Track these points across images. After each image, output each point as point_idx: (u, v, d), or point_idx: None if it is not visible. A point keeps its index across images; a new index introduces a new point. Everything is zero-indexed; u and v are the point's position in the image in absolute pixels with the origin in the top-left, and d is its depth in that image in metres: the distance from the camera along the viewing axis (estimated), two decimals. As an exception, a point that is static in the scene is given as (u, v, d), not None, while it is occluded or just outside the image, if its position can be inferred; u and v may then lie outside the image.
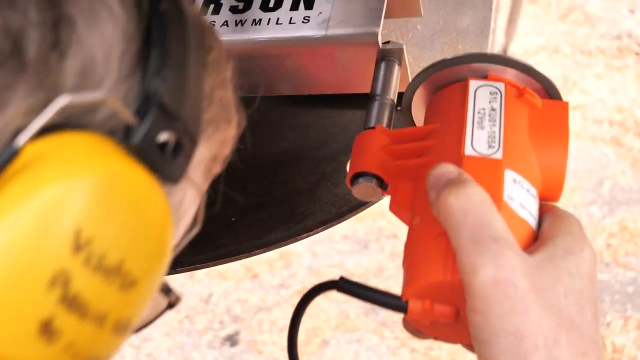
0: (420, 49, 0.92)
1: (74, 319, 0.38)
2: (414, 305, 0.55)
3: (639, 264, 2.25)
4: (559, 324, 0.51)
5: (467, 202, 0.52)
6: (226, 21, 0.82)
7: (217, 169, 0.49)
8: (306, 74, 0.83)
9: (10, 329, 0.37)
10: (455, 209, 0.52)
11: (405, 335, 2.17)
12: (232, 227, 0.84)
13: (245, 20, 0.82)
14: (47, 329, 0.37)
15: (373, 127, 0.66)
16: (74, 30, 0.37)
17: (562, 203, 0.66)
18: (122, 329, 0.42)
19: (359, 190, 0.63)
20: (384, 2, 0.78)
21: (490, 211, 0.52)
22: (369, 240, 2.38)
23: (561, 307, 0.51)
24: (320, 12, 0.79)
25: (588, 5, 3.22)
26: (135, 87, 0.40)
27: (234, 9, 0.82)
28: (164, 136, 0.39)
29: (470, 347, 0.60)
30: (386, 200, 0.65)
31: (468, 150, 0.56)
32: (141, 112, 0.39)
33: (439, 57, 0.72)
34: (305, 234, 0.80)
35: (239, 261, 2.22)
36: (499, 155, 0.56)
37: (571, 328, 0.52)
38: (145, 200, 0.41)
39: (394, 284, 2.20)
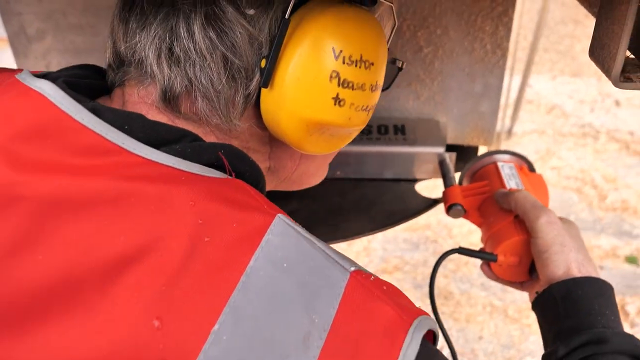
0: (457, 124, 1.01)
1: (348, 91, 0.46)
2: (500, 257, 0.68)
3: None
4: (576, 242, 0.63)
5: (526, 195, 0.69)
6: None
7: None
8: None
9: (321, 107, 0.46)
10: (522, 198, 0.68)
11: (437, 303, 2.26)
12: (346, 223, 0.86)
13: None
14: (337, 101, 0.46)
15: (451, 185, 0.83)
16: None
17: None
18: (375, 88, 0.49)
19: (453, 213, 0.76)
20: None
21: (533, 197, 0.68)
22: (419, 243, 2.49)
23: (572, 237, 0.64)
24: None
25: (564, 106, 3.44)
26: None
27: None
28: None
29: (518, 285, 0.71)
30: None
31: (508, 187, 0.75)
32: None
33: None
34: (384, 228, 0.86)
35: (344, 250, 2.32)
36: (520, 184, 0.77)
37: (581, 245, 0.64)
38: (364, 20, 0.47)
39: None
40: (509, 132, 3.09)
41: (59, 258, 0.35)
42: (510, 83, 2.84)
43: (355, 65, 0.46)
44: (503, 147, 2.92)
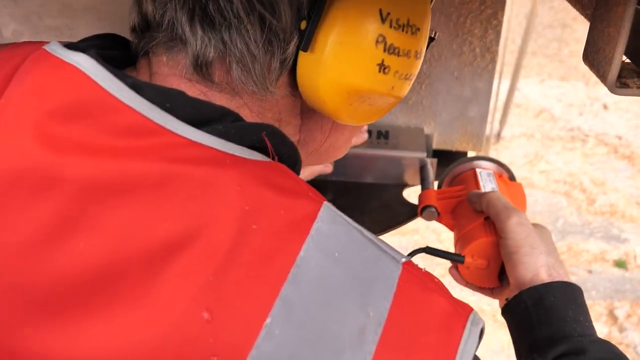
0: (445, 128, 1.00)
1: (394, 57, 0.44)
2: (467, 258, 0.67)
3: (579, 271, 2.39)
4: (547, 246, 0.62)
5: (498, 196, 0.68)
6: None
7: None
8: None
9: (365, 74, 0.44)
10: (495, 199, 0.67)
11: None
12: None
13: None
14: (382, 67, 0.44)
15: (428, 188, 0.85)
16: None
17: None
18: (419, 56, 0.47)
19: (426, 215, 0.76)
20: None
21: (506, 199, 0.68)
22: (408, 248, 2.45)
23: (543, 240, 0.62)
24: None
25: (553, 109, 3.46)
26: None
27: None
28: None
29: (488, 291, 0.70)
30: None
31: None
32: None
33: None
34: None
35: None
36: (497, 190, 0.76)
37: (552, 249, 0.62)
38: None
39: (422, 275, 2.48)
40: (498, 136, 3.10)
41: (102, 245, 0.33)
42: (499, 87, 2.86)
43: (402, 30, 0.43)
44: (492, 151, 2.93)
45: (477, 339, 0.37)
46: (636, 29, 0.40)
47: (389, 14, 0.42)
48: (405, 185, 0.94)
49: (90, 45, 0.44)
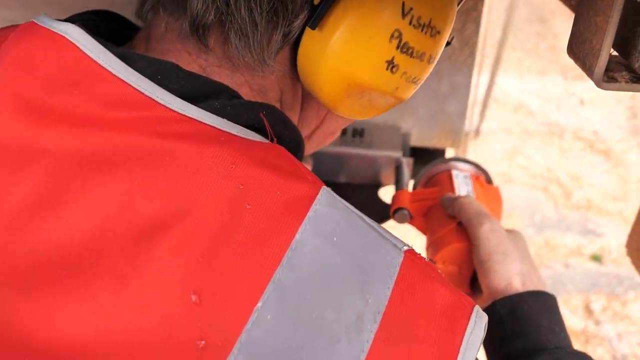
0: (423, 125, 0.96)
1: (405, 57, 0.41)
2: (438, 264, 0.65)
3: (556, 265, 2.40)
4: (521, 253, 0.61)
5: (471, 201, 0.66)
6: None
7: None
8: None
9: (371, 68, 0.41)
10: (467, 204, 0.65)
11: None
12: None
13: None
14: (390, 65, 0.41)
15: (401, 189, 0.82)
16: None
17: (510, 225, 0.77)
18: (432, 61, 0.45)
19: (398, 217, 0.74)
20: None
21: (479, 204, 0.66)
22: None
23: (516, 246, 0.61)
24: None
25: (530, 105, 3.44)
26: None
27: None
28: None
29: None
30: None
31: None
32: None
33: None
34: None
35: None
36: (472, 195, 0.74)
37: (526, 255, 0.61)
38: None
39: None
40: (477, 131, 3.08)
41: (86, 221, 0.32)
42: (478, 81, 2.85)
43: (422, 30, 0.41)
44: (470, 147, 2.91)
45: (483, 332, 0.35)
46: (625, 17, 0.37)
47: (411, 9, 0.39)
48: (380, 185, 0.91)
49: (82, 19, 0.43)
